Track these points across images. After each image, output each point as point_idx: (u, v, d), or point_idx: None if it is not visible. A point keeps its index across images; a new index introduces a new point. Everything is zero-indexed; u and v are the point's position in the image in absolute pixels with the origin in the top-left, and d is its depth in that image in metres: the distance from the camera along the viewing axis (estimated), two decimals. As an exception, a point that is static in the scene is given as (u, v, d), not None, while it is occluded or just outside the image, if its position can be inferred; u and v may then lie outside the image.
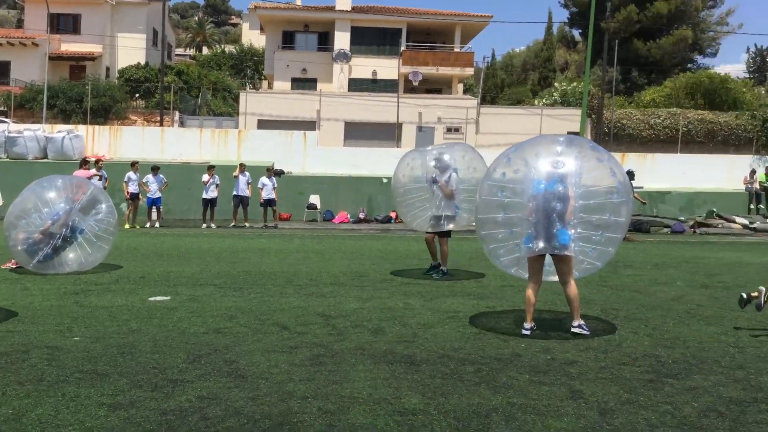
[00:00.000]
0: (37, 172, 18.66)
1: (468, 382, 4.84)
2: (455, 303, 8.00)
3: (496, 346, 5.91)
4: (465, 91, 43.16)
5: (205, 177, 19.67)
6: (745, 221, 21.88)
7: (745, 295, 6.75)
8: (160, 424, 3.97)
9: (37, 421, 3.98)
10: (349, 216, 22.76)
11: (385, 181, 21.78)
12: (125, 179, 19.04)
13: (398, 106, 29.52)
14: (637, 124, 28.56)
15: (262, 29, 44.83)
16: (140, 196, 19.30)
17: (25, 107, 31.92)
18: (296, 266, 11.19)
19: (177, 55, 54.11)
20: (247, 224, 19.89)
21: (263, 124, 30.06)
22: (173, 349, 5.67)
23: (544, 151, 6.40)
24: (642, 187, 23.07)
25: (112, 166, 21.12)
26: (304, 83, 37.02)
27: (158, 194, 19.46)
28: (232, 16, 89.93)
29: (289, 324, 6.70)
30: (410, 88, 36.00)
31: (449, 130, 30.83)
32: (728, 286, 9.63)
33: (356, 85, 36.32)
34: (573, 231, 6.24)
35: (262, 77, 44.87)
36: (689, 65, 45.78)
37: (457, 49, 38.57)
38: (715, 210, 22.97)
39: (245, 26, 60.74)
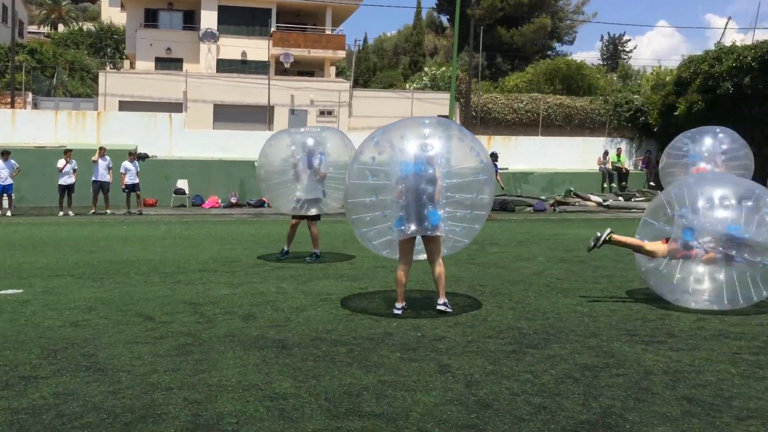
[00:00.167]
0: None
1: (340, 363, 4.85)
2: (328, 285, 7.99)
3: (368, 327, 5.96)
4: (338, 74, 43.10)
5: (61, 162, 18.48)
6: (600, 199, 23.40)
7: (593, 242, 7.22)
8: (11, 424, 3.69)
9: None
10: (219, 201, 22.19)
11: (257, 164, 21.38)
12: (-29, 165, 17.55)
13: (269, 88, 29.01)
14: (502, 108, 29.67)
15: (122, 6, 42.48)
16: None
17: None
18: (162, 253, 10.77)
19: (30, 32, 50.37)
20: (108, 211, 18.92)
21: (125, 106, 28.59)
22: (26, 344, 5.28)
23: (411, 134, 6.46)
24: (507, 168, 24.11)
25: (-47, 150, 19.32)
26: (169, 63, 35.51)
27: (9, 181, 18.11)
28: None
29: (153, 314, 6.42)
30: (282, 70, 35.47)
31: (322, 113, 30.68)
32: (583, 260, 10.25)
33: (225, 66, 35.29)
34: (442, 211, 6.36)
35: (124, 57, 42.65)
36: (549, 52, 48.11)
37: (328, 32, 38.42)
38: (572, 189, 24.38)
39: (105, 3, 57.27)
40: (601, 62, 54.24)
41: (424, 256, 6.69)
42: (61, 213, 18.33)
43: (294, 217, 10.26)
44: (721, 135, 14.01)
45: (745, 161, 14.21)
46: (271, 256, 10.42)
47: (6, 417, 3.79)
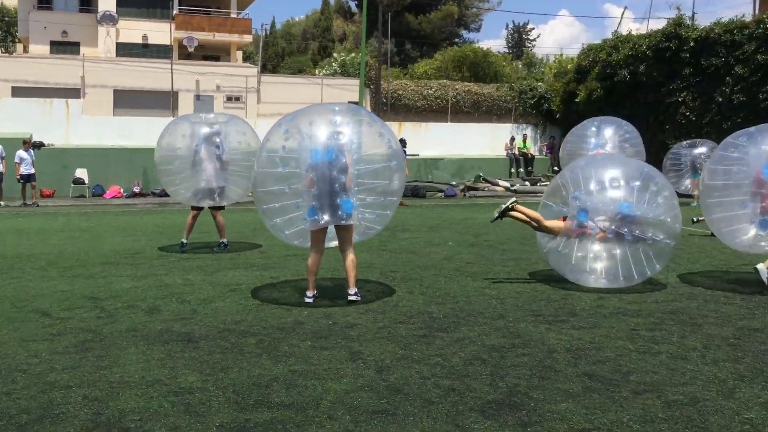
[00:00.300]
0: None
1: (249, 354, 4.75)
2: (237, 275, 7.83)
3: (278, 316, 5.88)
4: (245, 59, 42.24)
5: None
6: (507, 184, 24.02)
7: (497, 213, 7.45)
8: None
9: None
10: (122, 190, 21.37)
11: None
12: None
13: (172, 72, 28.08)
14: (412, 95, 29.90)
15: (13, -14, 40.01)
16: None
17: None
18: (61, 247, 10.26)
19: None
20: (2, 203, 17.86)
21: (19, 92, 27.02)
22: None
23: (320, 120, 6.33)
24: (417, 155, 24.37)
25: None
26: (65, 47, 33.73)
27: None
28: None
29: (51, 310, 6.11)
30: (186, 55, 34.40)
31: (229, 98, 30.01)
32: (492, 243, 10.49)
33: (125, 50, 33.88)
34: (355, 199, 6.29)
35: (16, 40, 40.24)
36: (456, 40, 48.85)
37: (234, 15, 37.51)
38: (481, 174, 24.91)
39: (-8, -18, 53.83)
40: (506, 50, 55.59)
41: (335, 243, 6.64)
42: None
43: (193, 207, 9.90)
44: (619, 124, 14.95)
45: (640, 148, 15.13)
46: (176, 247, 10.10)
47: None
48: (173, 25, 34.12)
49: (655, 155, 20.69)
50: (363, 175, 6.34)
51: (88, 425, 3.54)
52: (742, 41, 20.09)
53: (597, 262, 7.14)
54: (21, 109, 23.04)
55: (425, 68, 37.20)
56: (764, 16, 19.87)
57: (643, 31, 25.44)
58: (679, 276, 7.86)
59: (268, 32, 52.55)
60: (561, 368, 4.47)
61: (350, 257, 6.43)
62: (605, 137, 14.85)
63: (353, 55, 35.18)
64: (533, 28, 59.77)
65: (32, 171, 18.27)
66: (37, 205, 18.08)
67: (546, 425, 3.54)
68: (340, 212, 6.20)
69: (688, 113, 21.80)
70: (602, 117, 15.64)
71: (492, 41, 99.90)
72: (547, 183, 23.81)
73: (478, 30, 54.46)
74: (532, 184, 24.32)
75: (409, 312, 6.05)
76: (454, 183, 23.88)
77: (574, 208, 7.14)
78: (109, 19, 33.70)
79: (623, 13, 43.33)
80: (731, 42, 20.43)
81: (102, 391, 4.03)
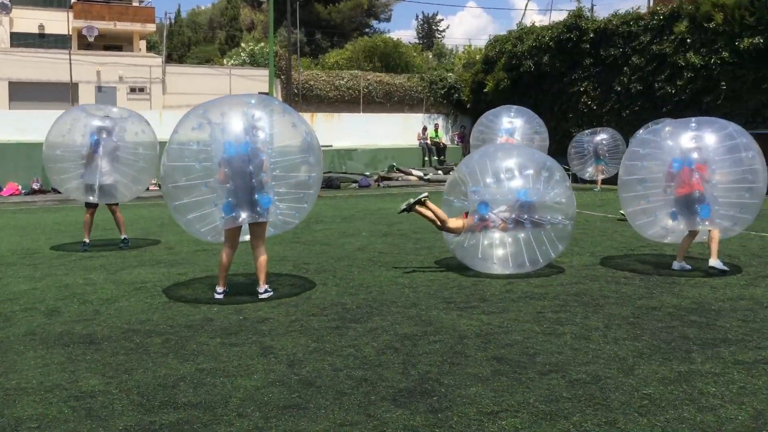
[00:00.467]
0: None
1: (155, 355, 4.60)
2: (143, 273, 7.57)
3: (186, 314, 5.72)
4: (149, 49, 40.83)
5: None
6: (420, 173, 24.28)
7: (405, 205, 7.48)
8: None
9: None
10: (20, 187, 20.27)
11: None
12: None
13: (71, 63, 26.82)
14: (324, 86, 29.72)
15: None
16: None
17: None
18: (-49, 248, 9.63)
19: None
20: None
21: None
22: None
23: (233, 112, 6.11)
24: (331, 146, 24.28)
25: None
26: (-48, 36, 31.70)
27: None
28: None
29: (-62, 316, 5.72)
30: (86, 45, 32.91)
31: (133, 90, 28.95)
32: (405, 233, 10.57)
33: (20, 40, 32.10)
34: (272, 194, 6.11)
35: None
36: (366, 30, 48.90)
37: (135, 4, 36.16)
38: (395, 164, 25.08)
39: None
40: (417, 41, 56.09)
41: (248, 237, 6.47)
42: None
43: (88, 205, 9.42)
44: (513, 112, 15.48)
45: (546, 143, 15.74)
46: (77, 245, 9.66)
47: None
48: (71, 14, 32.55)
49: (559, 143, 21.44)
50: (279, 168, 6.17)
51: (-21, 438, 3.34)
52: (638, 32, 20.98)
53: (502, 250, 7.30)
54: None
55: (336, 58, 37.05)
56: (658, 8, 20.81)
57: (546, 23, 26.20)
58: (582, 259, 8.15)
59: (173, 21, 51.02)
60: (471, 353, 4.55)
61: (262, 255, 6.29)
62: (516, 126, 15.28)
63: (262, 44, 34.62)
64: (442, 19, 60.63)
65: None
66: (-76, 205, 16.93)
67: (456, 410, 3.59)
68: (258, 208, 6.03)
69: (589, 102, 22.61)
70: (516, 106, 16.06)
71: (402, 32, 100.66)
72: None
73: (388, 20, 54.87)
74: (444, 173, 24.67)
75: (322, 304, 6.02)
76: (367, 173, 23.94)
77: (474, 202, 7.27)
78: (2, 8, 31.80)
79: (527, 5, 44.51)
80: (628, 33, 21.30)
81: (-5, 400, 3.81)
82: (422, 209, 7.48)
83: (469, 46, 36.23)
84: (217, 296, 6.21)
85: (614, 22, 21.79)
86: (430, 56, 44.08)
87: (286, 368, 4.29)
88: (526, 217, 7.14)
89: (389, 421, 3.46)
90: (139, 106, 27.35)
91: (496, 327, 5.19)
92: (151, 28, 36.68)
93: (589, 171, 18.93)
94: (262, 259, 6.29)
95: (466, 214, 7.34)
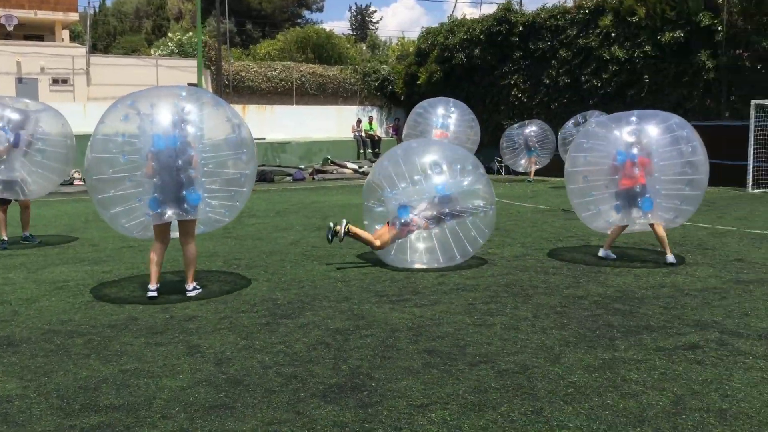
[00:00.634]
0: None
1: (76, 356, 4.43)
2: (65, 271, 7.28)
3: (110, 313, 5.53)
4: (73, 39, 39.31)
5: None
6: (356, 166, 24.22)
7: (332, 228, 7.36)
8: None
9: None
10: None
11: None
12: None
13: (-11, 53, 25.61)
14: (256, 77, 29.28)
15: None
16: None
17: None
18: None
19: None
20: None
21: None
22: None
23: (163, 104, 5.89)
24: (264, 139, 23.95)
25: None
26: None
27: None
28: None
29: None
30: (5, 35, 31.43)
31: (56, 81, 27.83)
32: (338, 225, 10.51)
33: (-69, 28, 30.43)
34: (202, 190, 5.90)
35: None
36: (299, 20, 48.42)
37: (58, -9, 34.72)
38: (329, 157, 24.94)
39: None
40: (350, 32, 55.89)
41: (176, 233, 6.28)
42: None
43: (0, 201, 8.94)
44: (452, 105, 15.61)
45: (477, 129, 15.94)
46: (-3, 243, 9.24)
47: None
48: (-13, 1, 31.04)
49: (491, 135, 21.78)
50: (210, 163, 5.95)
51: None
52: (565, 26, 21.46)
53: (430, 246, 7.32)
54: None
55: (268, 49, 36.56)
56: (583, 2, 21.33)
57: (477, 16, 26.50)
58: (513, 250, 8.29)
59: (98, 10, 49.28)
60: (403, 346, 4.55)
61: (191, 251, 6.13)
62: (451, 120, 15.41)
63: (190, 34, 33.82)
64: (375, 11, 60.64)
65: None
66: None
67: (386, 404, 3.59)
68: (186, 205, 5.83)
69: (519, 95, 23.02)
70: (454, 100, 16.18)
71: (335, 23, 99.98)
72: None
73: (320, 11, 54.56)
74: (378, 166, 24.70)
75: (252, 300, 5.92)
76: (302, 166, 23.74)
77: (393, 207, 7.26)
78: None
79: (459, -2, 44.91)
80: (555, 27, 21.77)
81: None
82: (357, 233, 7.38)
83: (403, 38, 36.42)
84: (150, 294, 5.96)
85: (542, 16, 22.22)
86: (364, 48, 43.99)
87: (213, 367, 4.19)
88: (447, 211, 7.17)
89: (318, 418, 3.42)
90: (62, 98, 26.37)
91: (428, 319, 5.21)
92: (74, 17, 35.27)
93: (522, 163, 19.29)
94: (191, 255, 6.14)
95: (389, 223, 7.30)
